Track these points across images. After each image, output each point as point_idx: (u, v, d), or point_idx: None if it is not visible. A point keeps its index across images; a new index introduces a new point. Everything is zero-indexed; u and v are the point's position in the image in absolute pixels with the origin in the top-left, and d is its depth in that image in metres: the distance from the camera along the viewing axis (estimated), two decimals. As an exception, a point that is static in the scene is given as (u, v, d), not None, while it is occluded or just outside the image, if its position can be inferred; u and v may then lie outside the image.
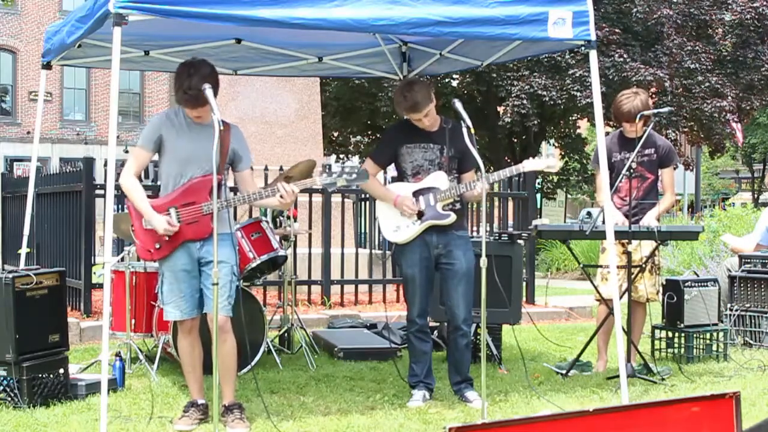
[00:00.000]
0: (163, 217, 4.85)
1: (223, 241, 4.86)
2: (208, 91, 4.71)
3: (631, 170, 6.21)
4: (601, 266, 6.52)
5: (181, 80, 4.79)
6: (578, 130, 26.11)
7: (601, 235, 5.96)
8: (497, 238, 6.73)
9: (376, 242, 10.11)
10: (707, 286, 7.07)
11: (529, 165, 5.59)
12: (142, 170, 5.04)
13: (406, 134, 5.62)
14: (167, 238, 4.89)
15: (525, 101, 18.45)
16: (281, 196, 4.89)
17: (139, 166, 4.98)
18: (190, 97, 4.78)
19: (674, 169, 6.66)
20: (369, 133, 23.94)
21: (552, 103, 18.63)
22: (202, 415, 4.97)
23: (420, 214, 5.50)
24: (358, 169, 4.96)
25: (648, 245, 6.34)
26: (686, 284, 6.95)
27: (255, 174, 5.58)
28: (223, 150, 4.92)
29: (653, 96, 19.13)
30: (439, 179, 5.53)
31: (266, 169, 8.79)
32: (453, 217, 5.51)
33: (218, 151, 4.67)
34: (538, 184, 25.54)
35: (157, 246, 4.93)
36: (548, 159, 5.71)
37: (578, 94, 17.89)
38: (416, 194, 5.53)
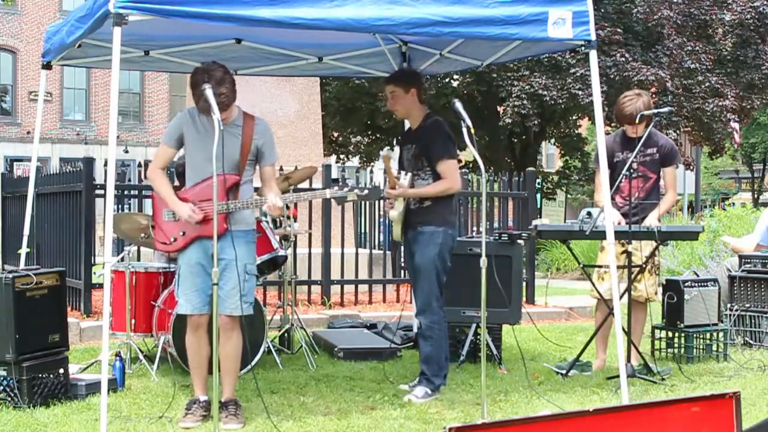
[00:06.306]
0: (187, 205, 4.97)
1: (238, 239, 4.95)
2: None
3: (632, 170, 6.21)
4: (600, 266, 6.52)
5: (216, 87, 4.82)
6: (579, 130, 26.06)
7: (601, 235, 5.95)
8: (497, 238, 6.73)
9: (376, 242, 10.09)
10: (707, 286, 7.07)
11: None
12: (166, 165, 5.18)
13: (402, 136, 5.94)
14: (182, 233, 5.01)
15: (525, 101, 18.41)
16: (269, 207, 5.02)
17: (163, 161, 5.14)
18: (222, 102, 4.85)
19: (676, 168, 6.66)
20: (369, 133, 23.90)
21: (552, 102, 18.59)
22: (204, 411, 5.01)
23: None
24: (372, 186, 5.04)
25: (648, 245, 6.34)
26: (686, 284, 6.94)
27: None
28: (243, 148, 5.02)
29: (654, 96, 19.12)
30: (405, 179, 5.73)
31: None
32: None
33: (239, 151, 4.90)
34: (538, 184, 25.53)
35: (173, 239, 5.07)
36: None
37: (579, 92, 17.86)
38: None
